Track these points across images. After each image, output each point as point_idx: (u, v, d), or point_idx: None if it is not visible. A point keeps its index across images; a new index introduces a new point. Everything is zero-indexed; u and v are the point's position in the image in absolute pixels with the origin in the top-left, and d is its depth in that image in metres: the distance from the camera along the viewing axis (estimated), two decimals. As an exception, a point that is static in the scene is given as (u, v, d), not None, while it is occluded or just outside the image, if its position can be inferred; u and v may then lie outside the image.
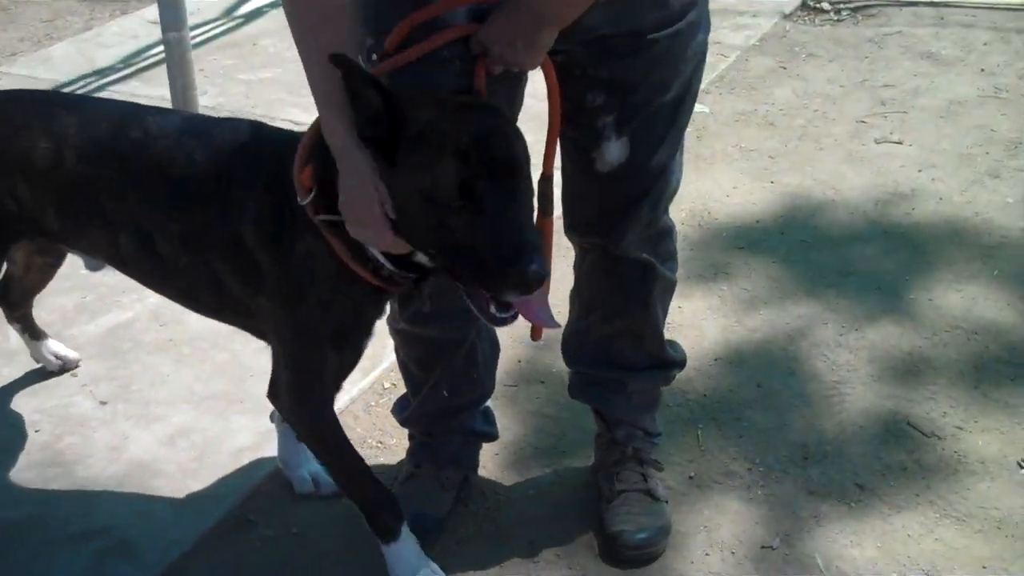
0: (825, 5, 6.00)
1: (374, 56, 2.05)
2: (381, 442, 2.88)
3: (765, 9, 5.95)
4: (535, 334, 2.20)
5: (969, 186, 4.15)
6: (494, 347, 2.64)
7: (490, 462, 2.80)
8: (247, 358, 3.10)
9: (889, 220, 3.95)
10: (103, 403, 2.99)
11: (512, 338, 3.11)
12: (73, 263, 2.77)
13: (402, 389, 2.69)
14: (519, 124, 2.05)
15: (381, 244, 1.98)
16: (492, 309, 1.93)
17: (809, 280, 3.60)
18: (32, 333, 3.07)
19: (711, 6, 2.22)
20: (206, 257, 2.21)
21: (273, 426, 2.69)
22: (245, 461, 2.79)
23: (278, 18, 5.73)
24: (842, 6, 6.01)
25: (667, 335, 2.60)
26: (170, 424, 2.92)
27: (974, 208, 4.00)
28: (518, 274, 1.82)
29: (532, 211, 1.99)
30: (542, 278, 1.84)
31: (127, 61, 5.35)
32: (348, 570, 2.50)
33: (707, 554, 2.53)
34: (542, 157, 2.12)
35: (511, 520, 2.64)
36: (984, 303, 3.44)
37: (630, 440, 2.63)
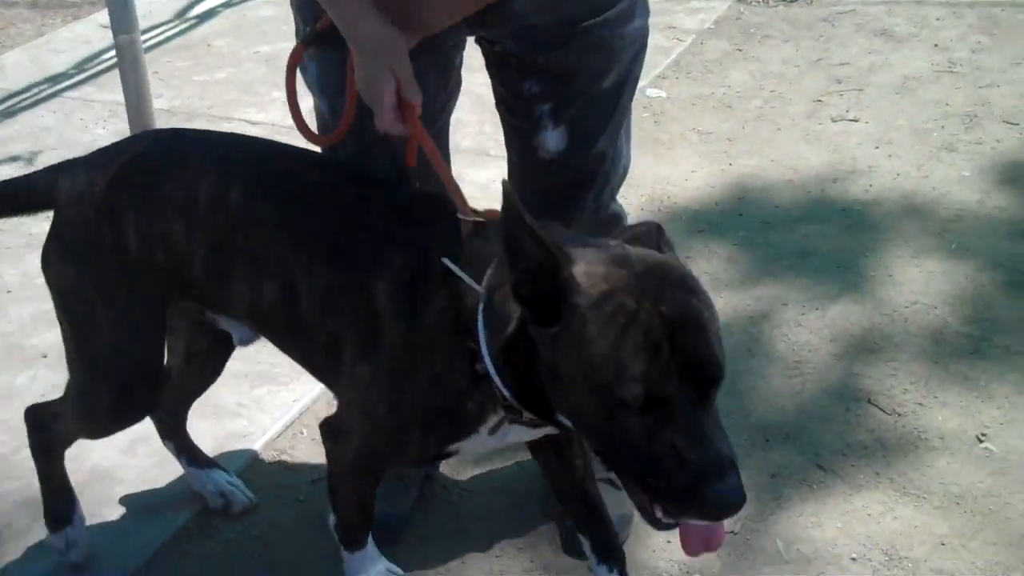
0: (780, -15, 6.01)
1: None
2: (342, 441, 2.86)
3: (720, -8, 5.96)
4: (691, 549, 1.70)
5: (926, 161, 4.16)
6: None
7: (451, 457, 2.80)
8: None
9: (847, 198, 3.96)
10: (61, 413, 2.96)
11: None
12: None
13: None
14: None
15: (391, 128, 1.95)
16: (658, 514, 1.63)
17: (769, 261, 3.60)
18: (191, 456, 2.66)
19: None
20: (339, 317, 1.98)
21: (235, 431, 2.67)
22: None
23: (231, 18, 5.73)
24: (797, -15, 6.02)
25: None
26: (130, 431, 2.88)
27: (931, 183, 4.01)
28: (710, 499, 1.53)
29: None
30: (740, 504, 1.55)
31: (80, 66, 5.31)
32: (310, 574, 2.49)
33: (669, 542, 2.53)
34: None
35: (473, 514, 2.64)
36: (942, 277, 3.45)
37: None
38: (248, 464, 2.80)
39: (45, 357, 3.19)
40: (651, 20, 2.26)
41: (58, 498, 2.47)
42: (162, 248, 2.08)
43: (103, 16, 5.39)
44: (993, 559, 2.45)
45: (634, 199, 2.29)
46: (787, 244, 3.69)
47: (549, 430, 1.89)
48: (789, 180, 4.10)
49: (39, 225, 2.26)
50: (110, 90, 4.83)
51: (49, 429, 2.40)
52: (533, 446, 2.22)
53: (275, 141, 2.31)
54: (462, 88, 2.35)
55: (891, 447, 2.78)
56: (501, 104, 2.31)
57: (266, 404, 2.99)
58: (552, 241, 1.59)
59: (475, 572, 2.49)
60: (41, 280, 2.21)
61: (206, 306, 2.20)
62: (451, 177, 1.98)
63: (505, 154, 2.40)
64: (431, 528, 2.61)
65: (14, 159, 4.40)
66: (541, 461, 2.26)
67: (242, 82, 4.94)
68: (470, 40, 2.22)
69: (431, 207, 1.97)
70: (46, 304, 2.25)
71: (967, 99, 4.65)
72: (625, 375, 1.52)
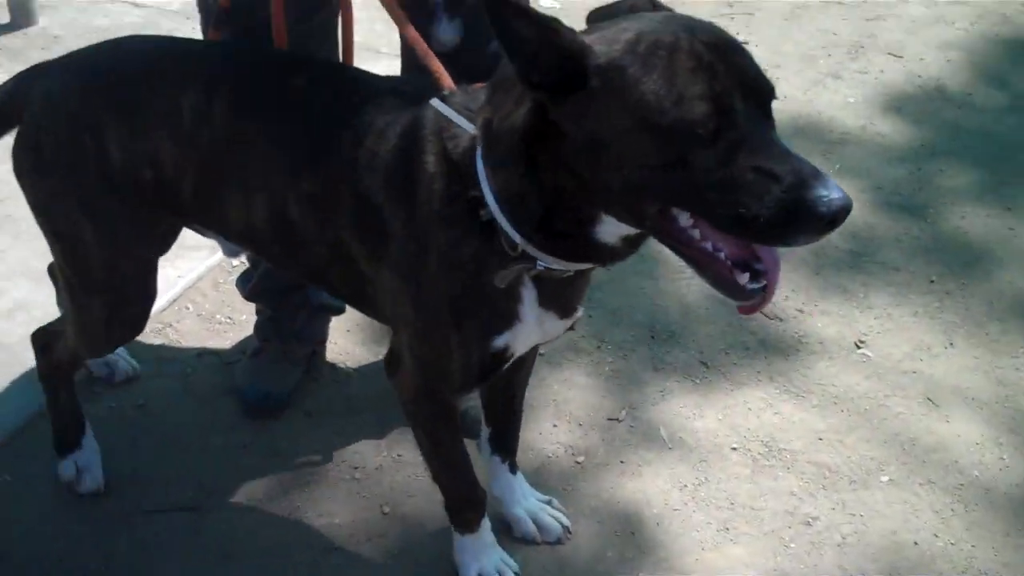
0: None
1: None
2: (230, 318, 2.83)
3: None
4: (749, 309, 1.60)
5: (812, 86, 4.24)
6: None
7: (341, 338, 2.78)
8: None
9: (735, 116, 4.00)
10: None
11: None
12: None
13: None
14: None
15: None
16: (744, 280, 1.53)
17: (657, 171, 3.63)
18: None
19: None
20: (336, 223, 1.87)
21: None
22: (86, 334, 2.71)
23: None
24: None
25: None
26: (9, 298, 2.82)
27: (817, 107, 4.09)
28: (819, 203, 1.40)
29: None
30: (849, 204, 1.42)
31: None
32: (191, 446, 2.48)
33: (555, 425, 2.57)
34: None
35: (361, 394, 2.64)
36: (825, 196, 3.52)
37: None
38: (132, 336, 2.75)
39: None
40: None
41: (66, 424, 2.35)
42: (149, 166, 1.95)
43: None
44: (867, 454, 2.54)
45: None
46: (676, 156, 3.72)
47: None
48: (680, 95, 4.13)
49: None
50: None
51: (53, 350, 2.28)
52: None
53: (246, 45, 2.15)
54: None
55: (773, 349, 2.85)
56: None
57: (150, 279, 2.93)
58: (543, 14, 1.48)
59: (364, 447, 2.49)
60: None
61: (197, 223, 2.09)
62: (433, 58, 1.90)
63: (395, 52, 2.36)
64: (318, 406, 2.60)
65: None
66: None
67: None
68: None
69: (414, 90, 1.85)
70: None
71: (854, 30, 4.74)
72: (687, 97, 1.42)
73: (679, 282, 3.07)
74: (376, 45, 4.13)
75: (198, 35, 2.27)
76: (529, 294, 1.80)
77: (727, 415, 2.63)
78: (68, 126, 1.94)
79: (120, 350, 2.62)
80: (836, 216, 1.41)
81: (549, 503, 2.34)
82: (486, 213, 1.68)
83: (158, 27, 4.19)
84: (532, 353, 2.18)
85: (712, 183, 1.44)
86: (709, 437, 2.57)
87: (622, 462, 2.50)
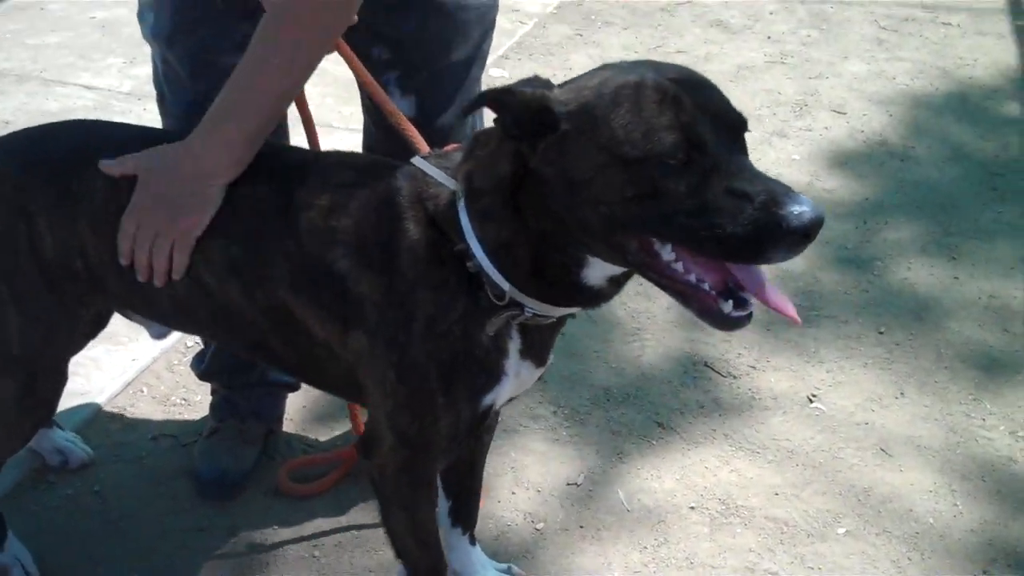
0: (620, -24, 6.12)
1: None
2: (185, 399, 2.83)
3: (562, -21, 6.04)
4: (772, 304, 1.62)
5: (758, 145, 4.30)
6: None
7: (297, 415, 2.79)
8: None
9: (684, 177, 4.05)
10: None
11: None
12: None
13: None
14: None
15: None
16: (727, 308, 1.56)
17: (608, 234, 3.67)
18: None
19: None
20: (267, 289, 1.85)
21: (72, 389, 2.59)
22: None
23: (66, -18, 5.57)
24: (636, -23, 6.15)
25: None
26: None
27: (763, 165, 4.14)
28: (791, 219, 1.43)
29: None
30: (821, 217, 1.46)
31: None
32: (148, 530, 2.46)
33: (514, 493, 2.58)
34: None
35: (318, 473, 2.63)
36: (774, 252, 3.57)
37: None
38: (86, 422, 2.74)
39: None
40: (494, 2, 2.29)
41: None
42: (79, 255, 1.93)
43: (-72, -24, 5.22)
44: (823, 507, 2.56)
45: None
46: (627, 219, 3.76)
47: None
48: (628, 159, 4.18)
49: None
50: (-63, 52, 4.66)
51: None
52: None
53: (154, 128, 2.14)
54: None
55: (726, 406, 2.88)
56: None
57: (103, 363, 2.93)
58: (516, 89, 1.58)
59: (323, 524, 2.49)
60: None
61: (128, 307, 2.07)
62: (404, 119, 1.97)
63: (347, 126, 2.40)
64: (275, 485, 2.59)
65: None
66: None
67: (77, 47, 4.80)
68: None
69: (386, 161, 1.88)
70: None
71: (797, 88, 4.83)
72: (656, 128, 1.49)
73: (632, 344, 3.10)
74: (328, 119, 4.17)
75: (150, 115, 2.28)
76: (514, 345, 1.81)
77: (684, 474, 2.65)
78: (4, 214, 1.93)
79: (74, 437, 2.61)
80: (809, 229, 1.45)
81: (508, 571, 2.35)
82: (473, 265, 1.70)
83: (110, 109, 4.23)
84: (495, 419, 2.19)
85: (687, 210, 1.49)
86: (667, 497, 2.58)
87: (581, 527, 2.51)
